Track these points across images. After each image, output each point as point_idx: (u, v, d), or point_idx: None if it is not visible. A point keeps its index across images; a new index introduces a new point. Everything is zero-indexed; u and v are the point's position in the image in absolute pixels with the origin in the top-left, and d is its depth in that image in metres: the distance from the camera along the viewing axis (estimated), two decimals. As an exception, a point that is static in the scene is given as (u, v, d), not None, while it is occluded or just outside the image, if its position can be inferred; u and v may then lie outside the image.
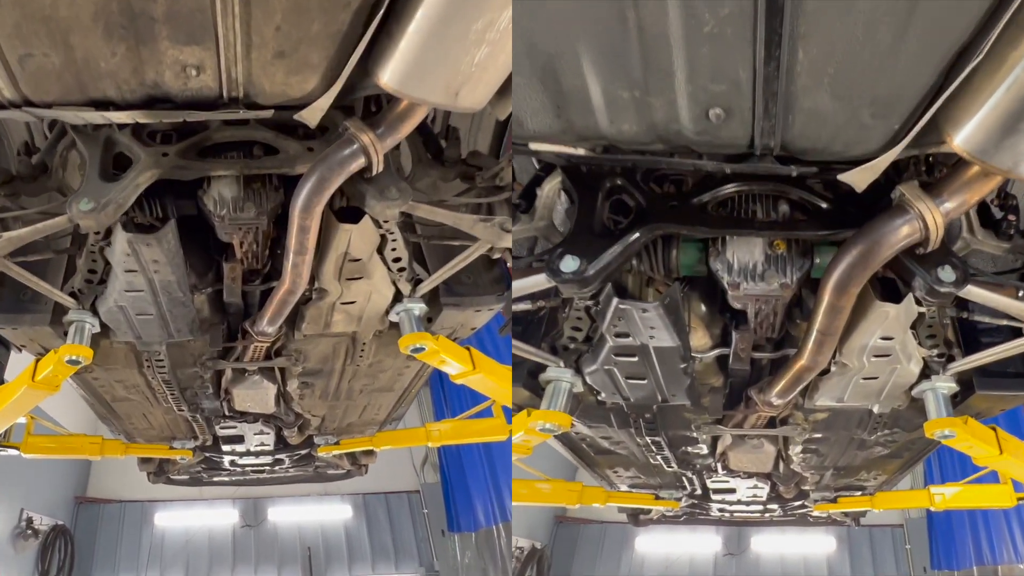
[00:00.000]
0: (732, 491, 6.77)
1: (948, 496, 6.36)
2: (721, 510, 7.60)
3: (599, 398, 3.84)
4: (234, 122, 3.08)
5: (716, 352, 3.70)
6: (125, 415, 5.73)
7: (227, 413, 5.67)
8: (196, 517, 15.04)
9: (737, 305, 3.18)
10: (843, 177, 2.52)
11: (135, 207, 3.19)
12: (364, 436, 6.77)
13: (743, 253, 2.98)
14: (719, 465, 5.82)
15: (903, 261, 2.74)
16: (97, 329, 3.76)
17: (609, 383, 3.64)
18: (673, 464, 5.76)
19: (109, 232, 3.32)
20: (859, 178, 2.50)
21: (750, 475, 6.20)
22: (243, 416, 5.89)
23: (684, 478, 6.53)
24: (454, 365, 4.04)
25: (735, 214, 2.98)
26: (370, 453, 7.52)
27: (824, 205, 2.90)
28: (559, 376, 3.56)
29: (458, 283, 3.95)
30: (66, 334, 3.72)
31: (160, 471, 7.77)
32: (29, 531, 12.83)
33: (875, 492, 6.85)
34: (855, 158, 2.48)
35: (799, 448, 5.22)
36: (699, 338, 3.67)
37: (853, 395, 3.78)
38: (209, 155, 3.08)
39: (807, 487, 6.58)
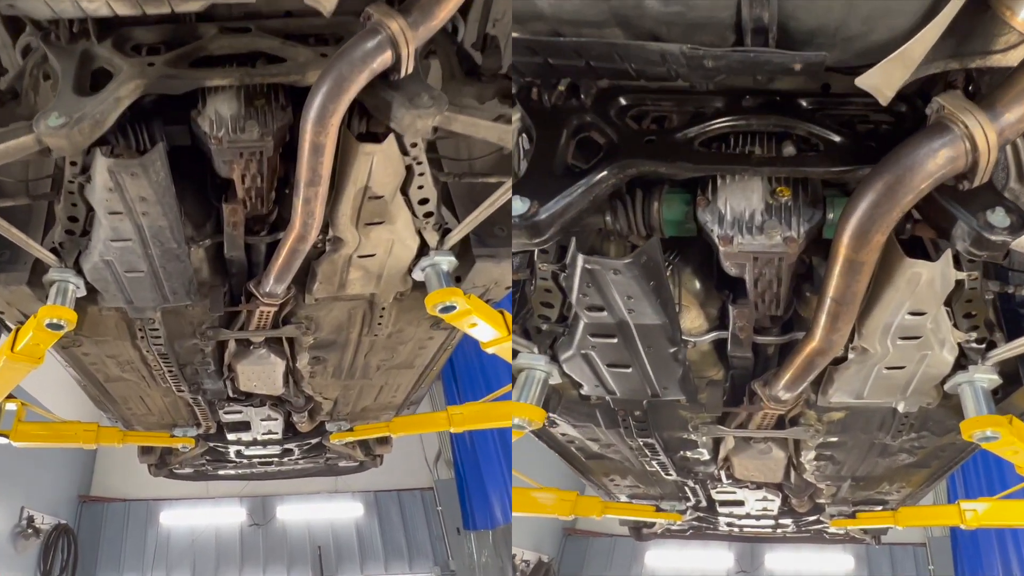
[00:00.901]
0: (740, 503, 6.24)
1: (980, 512, 5.81)
2: (730, 524, 7.05)
3: (581, 391, 3.41)
4: (233, 30, 2.70)
5: (713, 336, 3.24)
6: (121, 398, 5.42)
7: (231, 395, 5.33)
8: (202, 516, 14.87)
9: (732, 270, 2.65)
10: (861, 81, 1.95)
11: (118, 136, 2.81)
12: (380, 422, 6.34)
13: (738, 200, 2.45)
14: (723, 473, 5.32)
15: (940, 202, 2.16)
16: (82, 292, 3.42)
17: (589, 372, 3.20)
18: (672, 471, 5.24)
19: (89, 169, 2.89)
20: (883, 79, 1.91)
21: (758, 485, 5.68)
22: (249, 399, 5.54)
23: (686, 488, 6.01)
24: (487, 329, 3.56)
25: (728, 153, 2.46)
26: (385, 442, 7.13)
27: (837, 139, 2.37)
28: (532, 364, 3.20)
29: (490, 236, 3.51)
30: (48, 298, 3.34)
31: (162, 463, 7.48)
32: (30, 530, 12.71)
33: (898, 507, 6.27)
34: (879, 45, 1.93)
35: (812, 454, 4.70)
36: (692, 319, 3.20)
37: (874, 390, 3.27)
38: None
39: (822, 500, 6.02)
